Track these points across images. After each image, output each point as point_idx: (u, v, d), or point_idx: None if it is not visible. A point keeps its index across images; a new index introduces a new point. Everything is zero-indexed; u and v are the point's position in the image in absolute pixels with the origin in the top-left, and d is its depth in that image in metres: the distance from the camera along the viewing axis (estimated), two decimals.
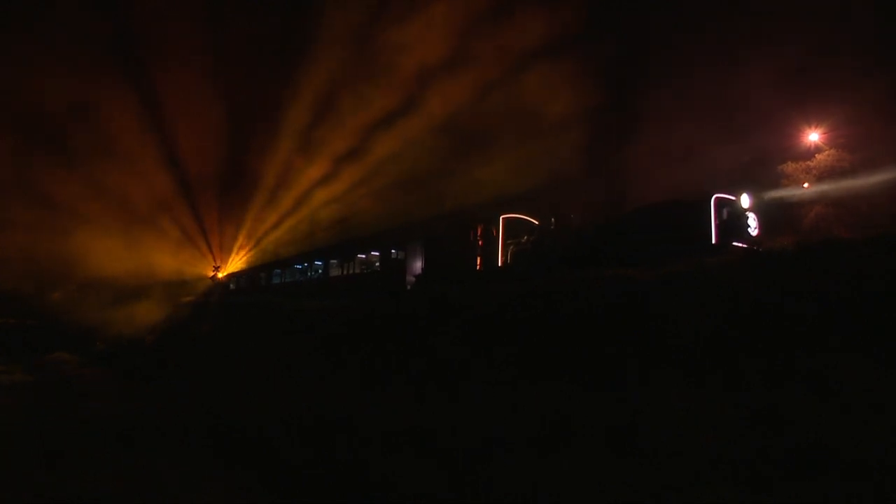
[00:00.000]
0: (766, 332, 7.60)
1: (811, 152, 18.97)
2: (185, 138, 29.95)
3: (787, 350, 7.12)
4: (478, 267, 18.93)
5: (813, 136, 19.00)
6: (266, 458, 7.96)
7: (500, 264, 18.28)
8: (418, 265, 21.85)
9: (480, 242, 18.95)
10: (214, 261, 33.85)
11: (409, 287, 21.70)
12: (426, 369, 11.52)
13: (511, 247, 18.46)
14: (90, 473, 7.32)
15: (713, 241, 12.97)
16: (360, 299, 22.57)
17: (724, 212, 13.14)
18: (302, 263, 29.83)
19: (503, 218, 18.53)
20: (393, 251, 23.32)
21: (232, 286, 34.15)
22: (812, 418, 5.53)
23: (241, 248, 32.26)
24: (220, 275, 35.19)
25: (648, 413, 6.60)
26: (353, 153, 27.27)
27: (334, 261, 26.95)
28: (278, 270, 32.18)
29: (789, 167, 18.82)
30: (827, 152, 18.38)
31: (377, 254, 24.95)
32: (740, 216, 13.12)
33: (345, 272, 25.96)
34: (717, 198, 13.19)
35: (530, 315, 13.10)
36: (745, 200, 13.25)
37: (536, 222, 19.07)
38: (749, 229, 13.08)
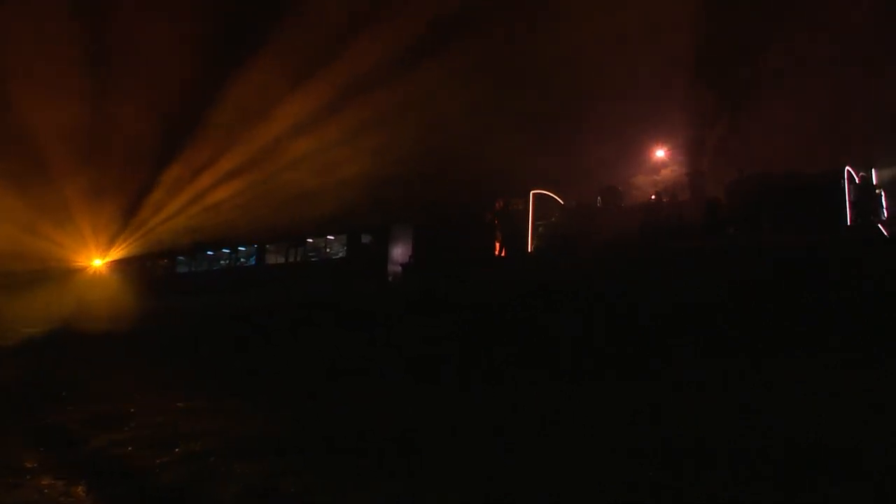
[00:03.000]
0: None
1: (658, 167, 19.87)
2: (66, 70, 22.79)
3: None
4: (497, 252, 15.66)
5: (659, 153, 19.96)
6: None
7: (529, 249, 15.17)
8: (403, 252, 18.02)
9: (497, 223, 15.69)
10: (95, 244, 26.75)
11: (391, 279, 17.81)
12: None
13: (539, 228, 15.47)
14: None
15: (847, 222, 11.01)
16: (317, 293, 18.28)
17: (855, 188, 11.26)
18: (223, 248, 24.27)
19: (533, 194, 15.44)
20: (364, 235, 19.17)
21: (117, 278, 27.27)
22: None
23: (135, 229, 25.65)
24: (96, 262, 28.06)
25: None
26: (316, 109, 22.22)
27: (272, 245, 21.99)
28: (182, 258, 26.14)
29: (639, 179, 19.48)
30: (670, 168, 19.31)
31: (333, 238, 20.60)
32: (872, 194, 11.29)
33: (290, 260, 21.17)
34: (848, 171, 11.28)
35: None
36: (873, 176, 11.49)
37: (562, 201, 16.29)
38: (881, 209, 11.30)
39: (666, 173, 19.59)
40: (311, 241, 20.90)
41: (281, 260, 21.55)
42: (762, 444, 5.09)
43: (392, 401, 8.58)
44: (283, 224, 21.70)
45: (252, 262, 23.16)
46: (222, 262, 25.14)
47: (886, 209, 11.44)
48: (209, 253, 25.35)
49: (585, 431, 6.07)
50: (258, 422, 7.12)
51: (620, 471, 4.74)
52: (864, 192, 11.21)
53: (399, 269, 17.64)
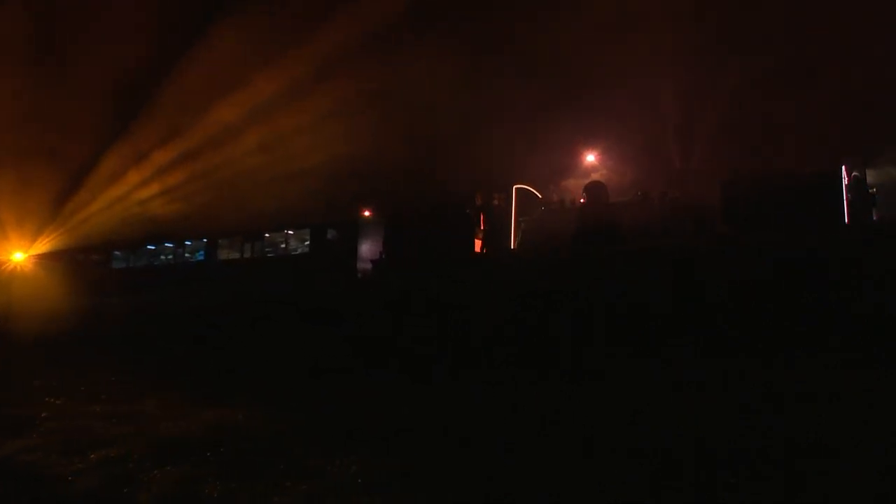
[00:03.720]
0: None
1: (588, 171, 20.69)
2: None
3: None
4: (477, 249, 14.93)
5: (590, 157, 20.48)
6: None
7: (513, 246, 14.54)
8: (373, 248, 16.99)
9: (483, 217, 14.94)
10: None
11: (360, 276, 16.76)
12: None
13: (521, 225, 14.86)
14: None
15: (845, 220, 10.98)
16: (275, 290, 16.99)
17: (852, 186, 11.24)
18: (165, 242, 22.35)
19: (516, 188, 14.81)
20: (330, 230, 17.98)
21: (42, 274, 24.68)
22: None
23: (65, 220, 23.25)
24: (17, 256, 25.36)
25: None
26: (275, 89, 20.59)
27: (225, 240, 20.38)
28: (118, 252, 23.98)
29: (571, 183, 20.02)
30: (600, 172, 20.16)
31: (292, 233, 19.26)
32: (864, 193, 11.30)
33: (245, 255, 19.66)
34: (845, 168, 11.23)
35: None
36: (866, 175, 11.51)
37: (540, 195, 15.77)
38: (874, 208, 11.32)
39: (596, 178, 19.93)
40: (268, 235, 19.49)
41: (235, 255, 20.01)
42: (762, 444, 4.91)
43: (379, 400, 7.94)
44: (237, 216, 20.19)
45: (200, 257, 21.46)
46: (164, 257, 23.22)
47: (877, 209, 11.47)
48: (150, 247, 23.35)
49: (585, 432, 5.64)
50: (182, 424, 6.39)
51: (620, 471, 4.53)
52: (856, 192, 11.18)
53: (369, 265, 16.62)
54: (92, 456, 5.35)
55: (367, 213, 17.68)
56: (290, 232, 19.36)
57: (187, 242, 21.89)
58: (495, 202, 14.84)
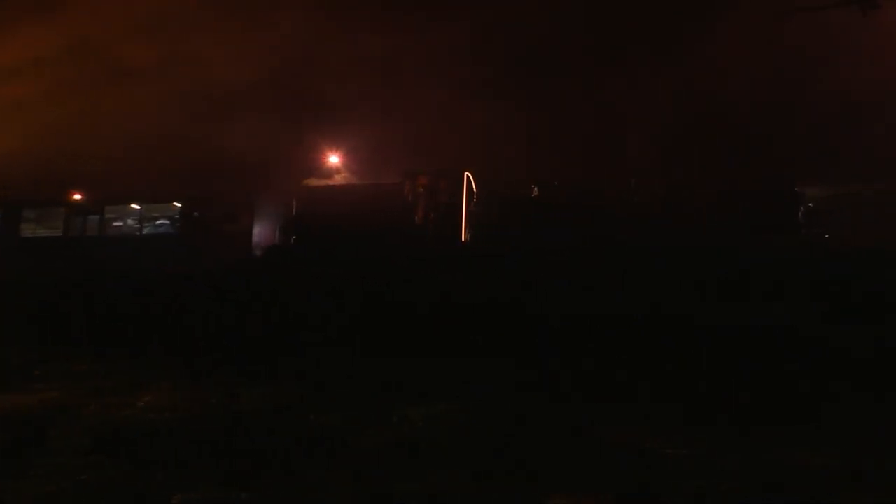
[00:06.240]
0: None
1: (332, 172, 21.44)
2: None
3: None
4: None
5: (333, 159, 21.56)
6: None
7: (463, 238, 12.89)
8: (269, 230, 13.81)
9: (422, 204, 13.05)
10: None
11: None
12: None
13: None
14: None
15: (801, 232, 11.87)
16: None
17: (804, 201, 12.24)
18: None
19: (467, 175, 13.26)
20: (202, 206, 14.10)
21: None
22: None
23: None
24: None
25: None
26: None
27: (33, 212, 14.75)
28: None
29: (312, 182, 20.09)
30: (343, 174, 21.07)
31: (139, 207, 14.74)
32: (807, 207, 12.42)
33: (70, 233, 14.42)
34: None
35: None
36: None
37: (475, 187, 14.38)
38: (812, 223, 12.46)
39: (339, 179, 19.67)
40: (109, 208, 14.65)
41: (52, 232, 14.60)
42: None
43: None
44: (56, 179, 14.82)
45: None
46: None
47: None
48: None
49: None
50: None
51: None
52: (804, 207, 12.17)
53: (265, 252, 13.46)
54: None
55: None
56: (138, 206, 14.86)
57: None
58: (442, 189, 13.12)
